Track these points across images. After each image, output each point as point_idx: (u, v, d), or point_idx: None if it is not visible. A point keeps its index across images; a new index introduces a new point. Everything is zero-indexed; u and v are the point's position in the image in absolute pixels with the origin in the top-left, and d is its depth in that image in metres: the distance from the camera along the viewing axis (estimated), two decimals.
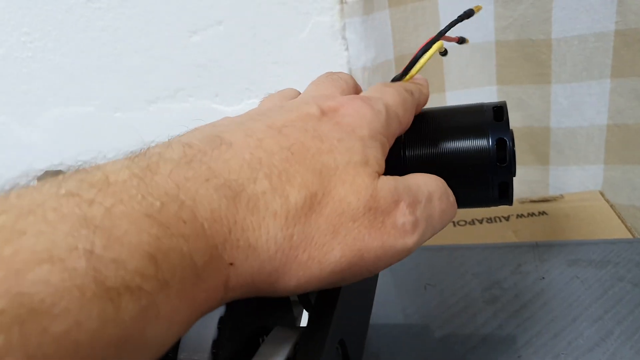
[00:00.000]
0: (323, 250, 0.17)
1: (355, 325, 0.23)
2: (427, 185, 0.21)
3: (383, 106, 0.22)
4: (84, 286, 0.12)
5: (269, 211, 0.16)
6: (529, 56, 0.49)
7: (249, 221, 0.16)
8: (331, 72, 0.27)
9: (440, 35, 0.29)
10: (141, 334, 0.13)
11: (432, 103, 0.31)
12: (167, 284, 0.14)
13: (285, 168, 0.17)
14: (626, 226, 0.48)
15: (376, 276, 0.28)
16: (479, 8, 0.30)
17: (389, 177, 0.20)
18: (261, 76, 0.54)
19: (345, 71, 0.52)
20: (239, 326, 0.20)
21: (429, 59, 0.29)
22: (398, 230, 0.19)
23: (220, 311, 0.19)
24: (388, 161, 0.30)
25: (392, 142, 0.23)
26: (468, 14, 0.30)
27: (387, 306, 0.37)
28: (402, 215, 0.19)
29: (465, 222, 0.51)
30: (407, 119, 0.25)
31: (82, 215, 0.13)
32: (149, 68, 0.56)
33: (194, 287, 0.15)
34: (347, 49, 0.50)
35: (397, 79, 0.30)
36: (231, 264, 0.16)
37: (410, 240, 0.19)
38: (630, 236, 0.45)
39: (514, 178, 0.29)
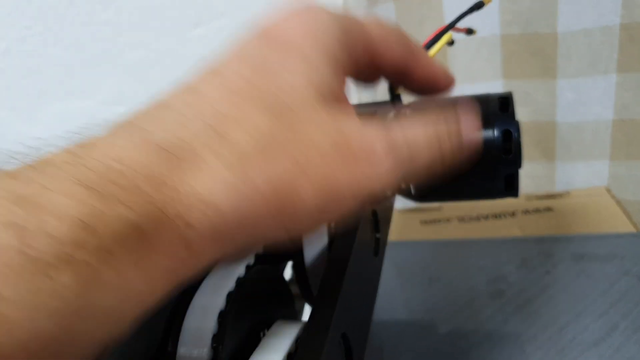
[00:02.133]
0: (292, 188, 0.16)
1: (358, 319, 0.23)
2: (414, 134, 0.19)
3: (343, 13, 0.19)
4: (11, 261, 0.12)
5: (221, 161, 0.15)
6: (534, 50, 0.49)
7: (199, 178, 0.15)
8: None
9: (451, 26, 0.29)
10: (90, 304, 0.13)
11: None
12: (112, 253, 0.13)
13: (230, 112, 0.16)
14: (632, 222, 0.48)
15: (379, 268, 0.27)
16: (489, 0, 0.30)
17: (360, 117, 0.18)
18: None
19: None
20: (239, 320, 0.20)
21: (438, 50, 0.28)
22: (373, 168, 0.17)
23: (220, 305, 0.19)
24: None
25: (356, 60, 0.20)
26: (478, 5, 0.29)
27: (392, 300, 0.36)
28: (377, 154, 0.17)
29: (471, 218, 0.51)
30: (380, 41, 0.21)
31: (17, 193, 0.13)
32: (151, 62, 0.56)
33: (149, 255, 0.14)
34: None
35: None
36: (188, 224, 0.14)
37: (387, 178, 0.17)
38: (636, 231, 0.44)
39: (520, 170, 0.29)
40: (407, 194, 0.32)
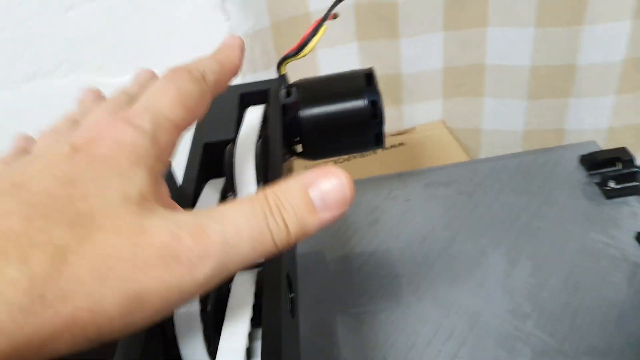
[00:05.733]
0: (93, 299, 0.15)
1: (291, 264, 0.30)
2: (235, 224, 0.18)
3: (149, 121, 0.19)
4: None
5: (5, 283, 0.14)
6: (381, 17, 0.58)
7: None
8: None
9: (325, 18, 0.36)
10: None
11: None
12: None
13: (25, 228, 0.15)
14: (462, 148, 0.62)
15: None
16: None
17: (172, 212, 0.18)
18: (146, 47, 0.56)
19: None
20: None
21: (319, 40, 0.36)
22: (182, 266, 0.16)
23: None
24: (286, 124, 0.37)
25: (169, 151, 0.20)
26: None
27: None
28: (186, 250, 0.17)
29: (344, 159, 0.61)
30: (192, 114, 0.21)
31: None
32: (23, 44, 0.54)
33: None
34: (228, 18, 0.54)
35: (291, 56, 0.37)
36: None
37: (199, 274, 0.17)
38: (466, 157, 0.58)
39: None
40: (297, 154, 0.40)
